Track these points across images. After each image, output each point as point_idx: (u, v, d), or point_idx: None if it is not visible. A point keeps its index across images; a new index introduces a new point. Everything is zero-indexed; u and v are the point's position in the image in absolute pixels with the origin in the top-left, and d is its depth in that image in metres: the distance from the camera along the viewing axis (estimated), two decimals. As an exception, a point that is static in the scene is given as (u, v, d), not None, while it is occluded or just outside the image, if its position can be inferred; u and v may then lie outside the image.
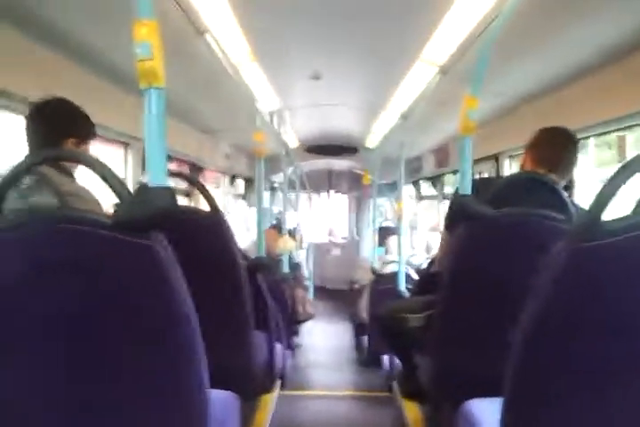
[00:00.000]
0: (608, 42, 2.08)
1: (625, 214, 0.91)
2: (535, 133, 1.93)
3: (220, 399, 1.42)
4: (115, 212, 0.94)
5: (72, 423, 1.03)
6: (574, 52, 2.28)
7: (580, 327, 0.91)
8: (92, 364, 0.99)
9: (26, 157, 1.17)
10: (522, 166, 1.94)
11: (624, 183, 0.88)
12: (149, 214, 0.92)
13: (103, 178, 0.96)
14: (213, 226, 1.83)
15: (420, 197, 6.66)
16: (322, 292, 7.82)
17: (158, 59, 0.95)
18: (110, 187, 0.96)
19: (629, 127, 2.34)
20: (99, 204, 1.55)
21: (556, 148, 1.86)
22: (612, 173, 0.88)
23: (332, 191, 8.92)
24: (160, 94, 0.96)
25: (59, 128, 1.63)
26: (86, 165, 1.01)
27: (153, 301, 0.97)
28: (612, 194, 0.88)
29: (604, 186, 0.88)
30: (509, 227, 1.55)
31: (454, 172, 4.63)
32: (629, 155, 2.45)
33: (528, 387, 0.98)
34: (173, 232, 1.01)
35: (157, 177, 0.96)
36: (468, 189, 1.60)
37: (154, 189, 0.95)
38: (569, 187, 1.93)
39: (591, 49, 2.20)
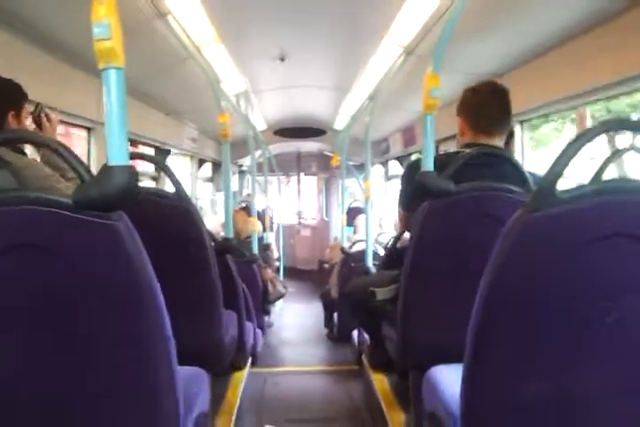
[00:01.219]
0: (569, 18, 2.13)
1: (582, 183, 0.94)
2: (465, 94, 1.84)
3: (190, 375, 1.44)
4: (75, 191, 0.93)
5: (40, 403, 1.03)
6: (536, 28, 2.32)
7: (535, 293, 0.95)
8: (57, 344, 1.00)
9: None
10: (461, 134, 1.86)
11: (576, 153, 0.91)
12: (111, 192, 0.91)
13: (62, 158, 0.96)
14: (179, 207, 1.82)
15: (389, 177, 6.72)
16: (293, 272, 7.86)
17: (117, 38, 0.94)
18: (70, 166, 0.95)
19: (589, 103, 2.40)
20: (56, 179, 1.52)
21: (494, 110, 1.78)
22: (566, 144, 0.92)
23: (301, 173, 8.91)
24: (119, 74, 0.95)
25: (11, 109, 1.62)
26: (46, 146, 1.00)
27: (116, 279, 0.97)
28: (565, 164, 0.91)
29: (558, 156, 0.92)
30: (472, 202, 1.58)
31: (421, 151, 4.68)
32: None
33: (486, 352, 1.02)
34: (138, 213, 1.01)
35: (118, 157, 0.95)
36: (430, 166, 1.63)
37: (114, 168, 0.94)
38: (509, 136, 1.86)
39: (552, 25, 2.24)
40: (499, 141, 1.81)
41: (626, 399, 1.00)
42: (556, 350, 0.97)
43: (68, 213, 0.92)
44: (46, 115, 1.77)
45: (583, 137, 0.92)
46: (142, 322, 1.01)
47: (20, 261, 0.95)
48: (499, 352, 1.00)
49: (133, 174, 0.96)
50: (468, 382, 1.06)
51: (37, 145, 1.21)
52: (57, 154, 0.97)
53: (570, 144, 0.92)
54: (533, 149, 3.00)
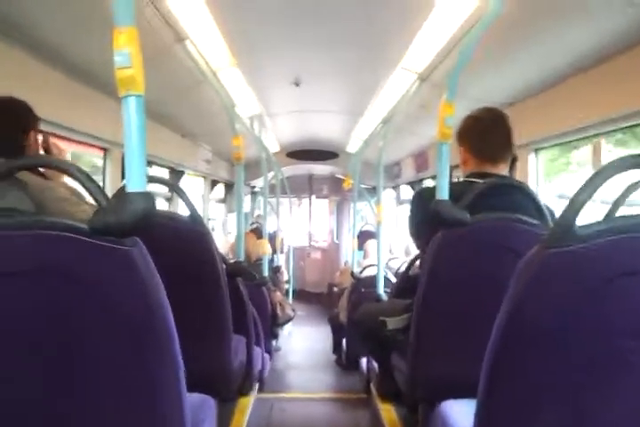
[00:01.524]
0: (583, 49, 2.13)
1: (598, 220, 0.92)
2: (465, 122, 1.81)
3: (198, 403, 1.42)
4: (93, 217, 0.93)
5: (43, 425, 1.02)
6: (549, 59, 2.33)
7: (552, 331, 0.93)
8: (68, 369, 0.99)
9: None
10: (463, 163, 1.82)
11: (597, 188, 0.90)
12: (127, 219, 0.92)
13: (80, 183, 0.96)
14: (193, 231, 1.82)
15: (400, 202, 6.71)
16: (302, 295, 7.83)
17: (138, 66, 0.95)
18: (87, 191, 0.95)
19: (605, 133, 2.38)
20: (74, 202, 1.53)
21: (495, 136, 1.75)
22: (587, 179, 0.90)
23: (312, 196, 8.93)
24: (139, 102, 0.96)
25: (18, 124, 1.64)
26: (63, 171, 1.00)
27: (130, 306, 0.96)
28: (586, 199, 0.90)
29: (578, 191, 0.90)
30: (486, 232, 1.56)
31: (433, 177, 4.68)
32: (604, 160, 2.49)
33: (501, 388, 0.99)
34: (153, 237, 1.01)
35: (137, 183, 0.96)
36: (445, 195, 1.61)
37: (132, 194, 0.94)
38: (513, 161, 1.82)
39: (566, 56, 2.25)
40: (503, 169, 1.78)
41: None
42: (573, 389, 0.95)
43: (83, 238, 0.92)
44: (54, 143, 1.80)
45: (604, 173, 0.90)
46: (153, 348, 1.00)
47: (35, 285, 0.95)
48: (513, 389, 0.98)
49: (151, 201, 0.96)
50: (481, 418, 1.03)
51: (58, 170, 1.22)
52: (75, 179, 0.97)
53: (589, 180, 0.90)
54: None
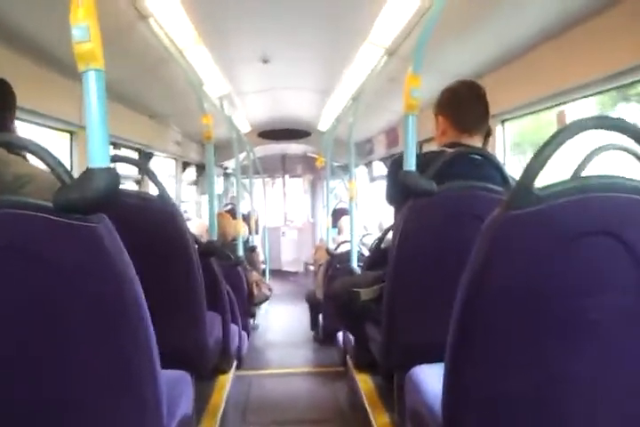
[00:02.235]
0: (546, 19, 2.15)
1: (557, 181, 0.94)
2: (444, 94, 1.86)
3: (174, 378, 1.43)
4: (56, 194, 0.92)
5: (21, 407, 1.02)
6: (515, 29, 2.34)
7: (514, 291, 0.95)
8: (39, 347, 0.99)
9: None
10: (442, 134, 1.86)
11: (554, 151, 0.91)
12: (91, 196, 0.91)
13: (44, 161, 0.95)
14: (162, 210, 1.82)
15: (373, 178, 6.74)
16: (278, 274, 7.86)
17: (96, 40, 0.93)
18: (51, 169, 0.94)
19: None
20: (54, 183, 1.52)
21: (472, 107, 1.81)
22: (545, 140, 0.92)
23: (286, 175, 8.90)
24: (99, 76, 0.94)
25: (5, 108, 1.60)
26: (26, 149, 0.99)
27: (98, 282, 0.96)
28: (544, 161, 0.91)
29: (537, 152, 0.92)
30: (454, 201, 1.59)
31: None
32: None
33: (466, 350, 1.02)
34: (121, 216, 1.01)
35: (99, 160, 0.94)
36: (412, 166, 1.63)
37: (95, 170, 0.93)
38: (487, 135, 1.90)
39: (530, 27, 2.26)
40: (478, 141, 1.83)
41: (608, 394, 1.00)
42: (536, 347, 0.98)
43: (48, 215, 0.91)
44: None
45: (561, 134, 0.92)
46: (124, 324, 1.00)
47: (1, 264, 0.94)
48: (479, 350, 1.00)
49: (114, 177, 0.95)
50: (448, 380, 1.06)
51: (17, 147, 1.20)
52: (37, 156, 0.96)
53: (547, 141, 0.92)
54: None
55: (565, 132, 0.92)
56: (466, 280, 0.98)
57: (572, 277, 0.94)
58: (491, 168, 1.68)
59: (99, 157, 0.95)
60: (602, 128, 0.97)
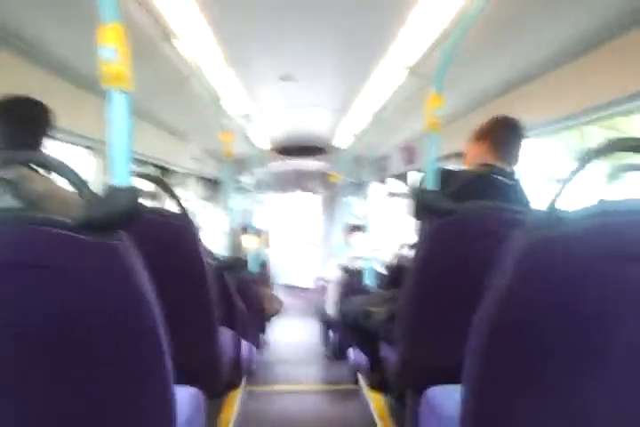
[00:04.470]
0: (566, 41, 2.16)
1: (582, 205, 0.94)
2: (492, 123, 1.96)
3: (186, 396, 1.42)
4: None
5: (35, 422, 1.02)
6: (535, 51, 2.35)
7: (537, 316, 0.94)
8: (58, 364, 0.99)
9: None
10: (475, 155, 1.94)
11: (579, 172, 0.92)
12: (113, 214, 0.92)
13: (67, 179, 0.96)
14: (180, 226, 1.82)
15: (388, 195, 6.72)
16: (289, 289, 7.83)
17: (124, 62, 0.95)
18: (74, 187, 0.95)
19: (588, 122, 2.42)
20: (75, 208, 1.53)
21: (514, 140, 1.91)
22: (570, 169, 0.92)
23: (301, 191, 8.92)
24: (125, 97, 0.96)
25: (37, 129, 1.63)
26: (51, 168, 1.01)
27: (117, 299, 0.97)
28: (566, 184, 0.92)
29: (562, 177, 0.92)
30: (475, 221, 1.58)
31: (420, 170, 4.70)
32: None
33: (486, 374, 1.00)
34: (140, 232, 1.01)
35: (121, 178, 0.97)
36: (432, 184, 1.64)
37: (118, 190, 0.96)
38: (513, 173, 2.00)
39: (550, 48, 2.27)
40: (508, 169, 1.89)
41: (631, 421, 0.98)
42: (557, 372, 0.96)
43: (70, 233, 0.92)
44: None
45: (585, 159, 0.92)
46: (140, 342, 1.01)
47: (22, 278, 0.95)
48: (499, 374, 0.99)
49: (136, 196, 0.97)
50: (467, 403, 1.04)
51: (43, 166, 1.22)
52: (61, 174, 0.97)
53: (575, 169, 0.92)
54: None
55: (589, 156, 0.93)
56: (487, 303, 0.97)
57: (594, 300, 0.93)
58: (514, 190, 1.69)
59: (121, 175, 0.98)
60: (625, 150, 0.97)
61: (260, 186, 5.77)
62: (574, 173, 0.92)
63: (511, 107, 2.78)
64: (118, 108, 0.96)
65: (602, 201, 0.98)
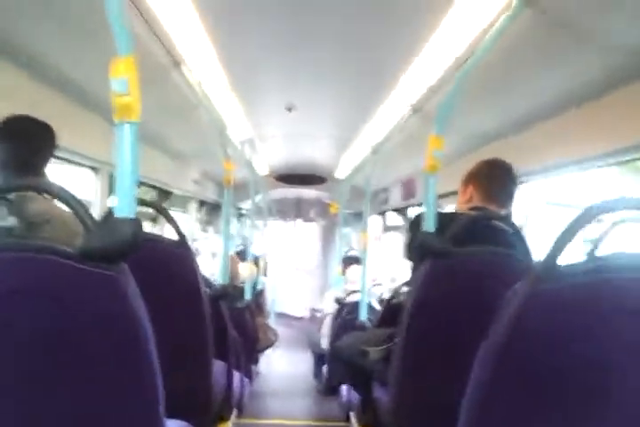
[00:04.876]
0: (568, 88, 2.19)
1: (581, 259, 0.95)
2: (478, 166, 1.98)
3: None
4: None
5: None
6: (536, 97, 2.38)
7: (535, 365, 0.94)
8: (48, 393, 0.98)
9: None
10: (469, 200, 1.94)
11: (582, 228, 0.92)
12: (115, 246, 0.92)
13: (69, 206, 0.97)
14: (177, 254, 1.82)
15: (386, 228, 6.73)
16: (284, 318, 7.77)
17: (134, 94, 0.97)
18: (76, 215, 0.96)
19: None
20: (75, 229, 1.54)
21: (504, 183, 1.92)
22: (572, 219, 0.93)
23: (299, 219, 8.93)
24: (134, 129, 0.98)
25: (42, 149, 1.64)
26: (52, 195, 1.02)
27: (114, 331, 0.97)
28: (569, 239, 0.93)
29: (563, 232, 0.93)
30: (472, 265, 1.59)
31: (420, 204, 4.71)
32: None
33: (481, 421, 0.99)
34: (138, 259, 1.01)
35: (126, 210, 0.97)
36: (431, 226, 1.64)
37: (121, 221, 0.96)
38: (509, 216, 2.00)
39: (552, 95, 2.30)
40: (503, 212, 1.89)
41: None
42: (555, 420, 0.96)
43: (71, 262, 0.92)
44: None
45: (587, 214, 0.93)
46: (134, 374, 1.00)
47: (21, 305, 0.95)
48: (494, 421, 0.98)
49: (138, 227, 0.98)
50: None
51: (45, 192, 1.22)
52: (62, 201, 0.98)
53: (575, 219, 0.93)
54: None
55: (590, 213, 0.93)
56: (484, 352, 0.97)
57: (594, 354, 0.93)
58: (511, 235, 1.69)
59: (126, 206, 0.97)
60: (626, 208, 0.98)
61: (260, 213, 5.77)
62: (576, 229, 0.92)
63: (511, 150, 2.81)
64: (127, 140, 0.97)
65: (602, 256, 0.99)
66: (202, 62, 2.50)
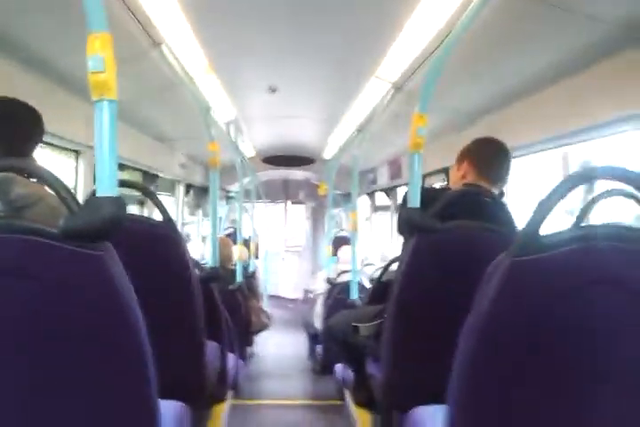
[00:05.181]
0: (553, 61, 2.18)
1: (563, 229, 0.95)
2: (473, 144, 1.98)
3: (171, 410, 1.40)
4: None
5: None
6: (520, 71, 2.38)
7: (518, 338, 0.95)
8: (37, 375, 0.98)
9: None
10: (463, 176, 1.95)
11: (561, 198, 0.93)
12: (97, 224, 0.92)
13: (52, 188, 0.96)
14: (165, 236, 1.80)
15: (375, 208, 6.75)
16: (277, 300, 7.81)
17: (111, 71, 0.95)
18: (58, 196, 0.95)
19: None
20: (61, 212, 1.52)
21: (498, 160, 1.92)
22: (551, 189, 0.93)
23: (288, 201, 8.93)
24: (112, 107, 0.96)
25: (28, 135, 1.62)
26: (34, 176, 1.01)
27: (101, 311, 0.96)
28: (550, 209, 0.93)
29: (542, 201, 0.93)
30: (458, 240, 1.60)
31: (407, 184, 4.72)
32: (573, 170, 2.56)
33: (469, 396, 1.01)
34: (124, 241, 1.01)
35: (107, 188, 0.96)
36: (416, 203, 1.65)
37: (102, 199, 0.95)
38: (502, 194, 2.00)
39: (536, 68, 2.30)
40: (495, 190, 1.89)
41: None
42: (543, 393, 0.97)
43: (54, 242, 0.92)
44: None
45: (568, 183, 0.93)
46: (124, 354, 1.00)
47: (4, 287, 0.94)
48: (482, 396, 0.99)
49: (121, 206, 0.97)
50: (452, 424, 1.04)
51: (28, 173, 1.21)
52: (45, 182, 0.97)
53: (554, 190, 0.93)
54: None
55: (571, 182, 0.94)
56: (469, 325, 0.98)
57: (576, 326, 0.94)
58: (498, 210, 1.70)
59: (107, 185, 0.96)
60: (607, 178, 0.99)
61: (248, 195, 5.75)
62: (557, 198, 0.93)
63: (496, 126, 2.82)
64: (106, 118, 0.96)
65: (584, 226, 1.00)
66: (181, 42, 2.47)
